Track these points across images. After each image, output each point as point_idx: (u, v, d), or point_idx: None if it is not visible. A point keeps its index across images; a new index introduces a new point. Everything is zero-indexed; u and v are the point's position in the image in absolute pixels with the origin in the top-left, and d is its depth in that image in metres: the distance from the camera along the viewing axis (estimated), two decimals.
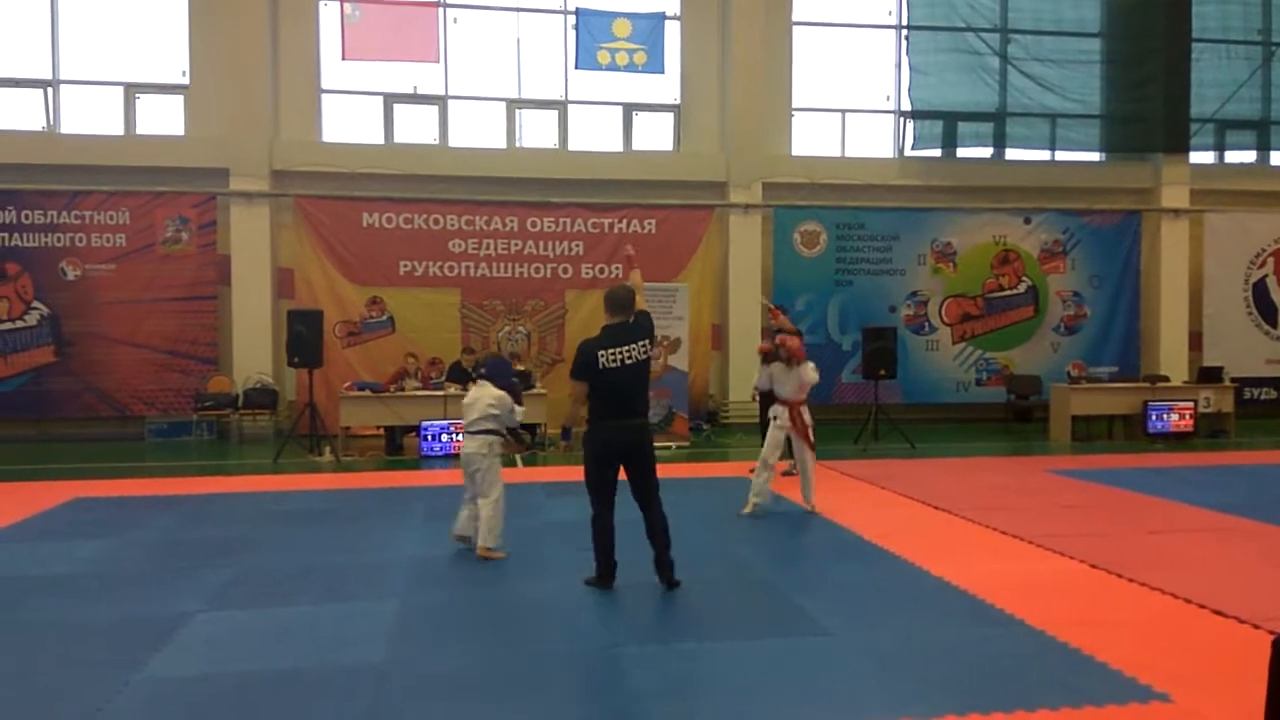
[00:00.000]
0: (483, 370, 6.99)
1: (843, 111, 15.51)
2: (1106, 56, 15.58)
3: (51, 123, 13.68)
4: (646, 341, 5.69)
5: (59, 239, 13.25)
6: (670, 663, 4.49)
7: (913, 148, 15.34)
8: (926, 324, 15.27)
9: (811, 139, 15.40)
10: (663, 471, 9.86)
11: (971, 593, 5.58)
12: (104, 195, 13.32)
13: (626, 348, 5.59)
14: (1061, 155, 15.84)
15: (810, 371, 8.09)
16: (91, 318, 13.29)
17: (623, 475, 5.77)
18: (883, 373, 12.83)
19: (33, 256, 13.19)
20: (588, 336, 5.84)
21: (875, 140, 15.64)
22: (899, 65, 15.45)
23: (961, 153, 15.47)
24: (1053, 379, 14.51)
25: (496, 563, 6.38)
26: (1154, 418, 12.93)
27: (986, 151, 15.65)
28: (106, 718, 3.91)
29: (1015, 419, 14.97)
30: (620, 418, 5.62)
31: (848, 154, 15.47)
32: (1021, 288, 15.51)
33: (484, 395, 6.62)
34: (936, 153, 15.38)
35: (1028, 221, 15.53)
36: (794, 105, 15.25)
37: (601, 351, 5.57)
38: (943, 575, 5.96)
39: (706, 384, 14.67)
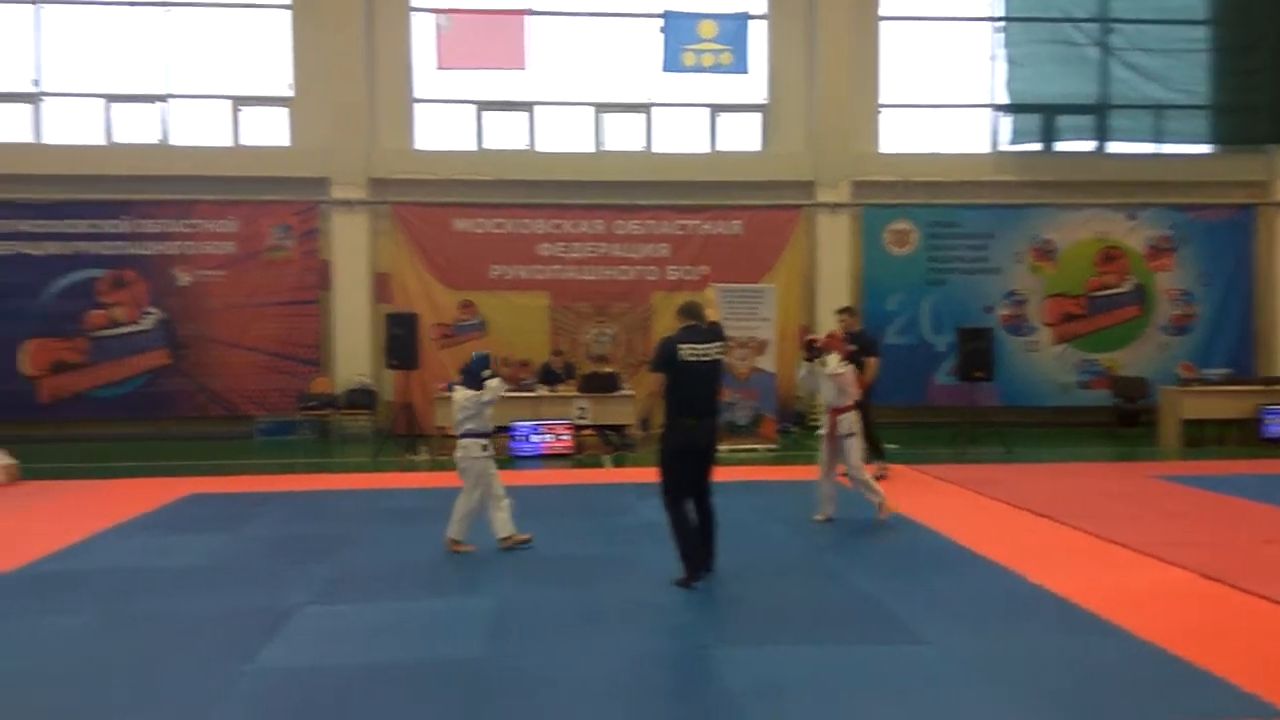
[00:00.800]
0: (460, 377, 7.18)
1: (934, 107, 15.18)
2: (1214, 44, 14.85)
3: (164, 135, 14.40)
4: (721, 344, 5.99)
5: (172, 247, 13.94)
6: (762, 666, 4.49)
7: (1009, 142, 14.92)
8: (1025, 324, 14.82)
9: (902, 136, 15.13)
10: (750, 474, 9.86)
11: (1074, 601, 5.41)
12: (213, 204, 13.97)
13: (704, 346, 5.86)
14: (1168, 148, 15.16)
15: (832, 362, 7.62)
16: (203, 322, 13.95)
17: None
18: (979, 375, 12.47)
19: (148, 264, 13.92)
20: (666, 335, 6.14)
21: (969, 136, 15.27)
22: (993, 58, 15.04)
23: (1061, 147, 14.97)
24: (1160, 381, 13.91)
25: (588, 562, 6.47)
26: (1270, 422, 12.27)
27: (1088, 145, 15.09)
28: (222, 706, 4.13)
29: (1120, 423, 14.37)
30: (700, 416, 5.85)
31: (940, 150, 15.14)
32: (1126, 286, 14.92)
33: (457, 399, 6.80)
34: (1035, 147, 14.91)
35: (1132, 217, 14.93)
36: (882, 101, 14.99)
37: (682, 345, 5.82)
38: (1042, 583, 5.80)
39: (794, 386, 14.52)
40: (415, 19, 14.48)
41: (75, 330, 13.74)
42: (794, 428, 13.91)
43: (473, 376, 6.82)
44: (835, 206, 14.61)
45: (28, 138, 14.10)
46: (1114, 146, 15.11)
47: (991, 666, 4.46)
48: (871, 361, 9.62)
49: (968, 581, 5.97)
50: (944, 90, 15.18)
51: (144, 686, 4.36)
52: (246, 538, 7.33)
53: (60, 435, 13.43)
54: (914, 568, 6.39)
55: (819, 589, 5.88)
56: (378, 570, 6.35)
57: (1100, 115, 14.90)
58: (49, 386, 13.72)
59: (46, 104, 14.19)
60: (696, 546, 5.85)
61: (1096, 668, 4.42)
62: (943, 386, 14.48)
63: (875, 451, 9.80)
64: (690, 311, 6.10)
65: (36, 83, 14.10)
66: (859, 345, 9.80)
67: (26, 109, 14.14)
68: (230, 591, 5.87)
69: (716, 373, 5.95)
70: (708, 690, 4.24)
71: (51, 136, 14.19)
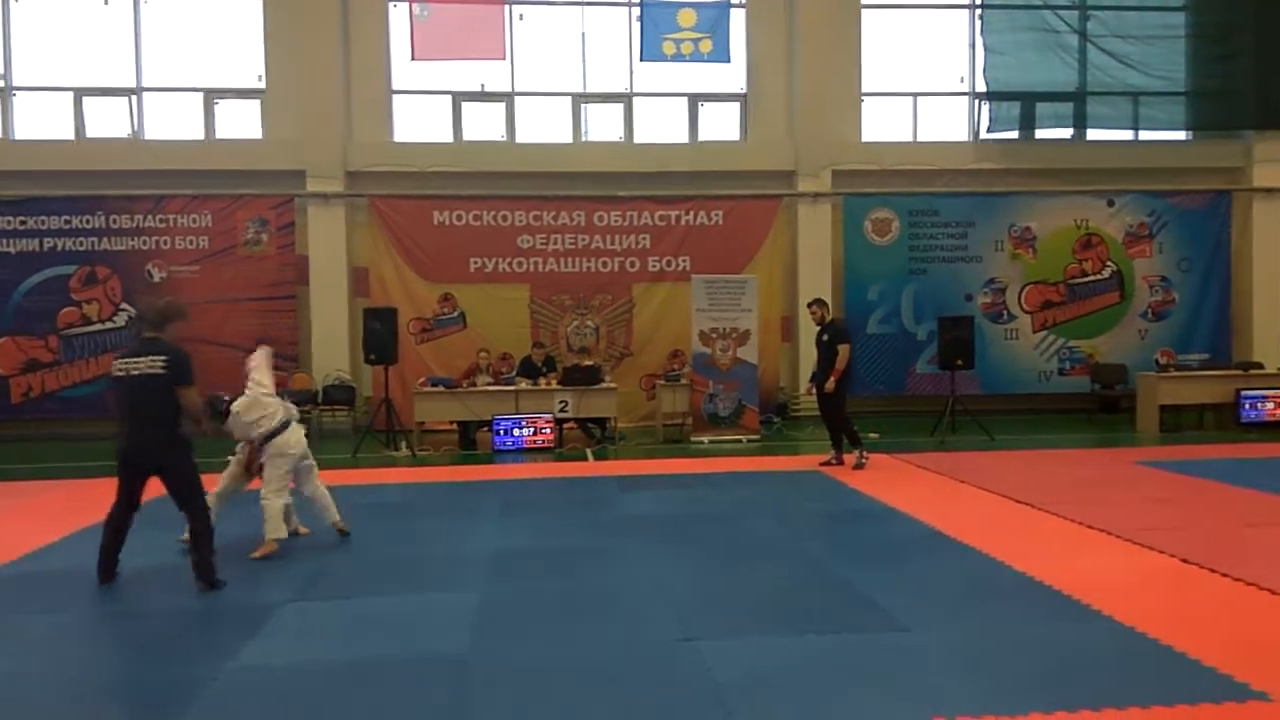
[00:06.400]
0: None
1: (914, 95, 15.19)
2: (1192, 30, 14.94)
3: (136, 129, 14.19)
4: (163, 359, 5.90)
5: (145, 242, 13.74)
6: (746, 656, 4.46)
7: (988, 130, 14.95)
8: (1005, 312, 14.88)
9: (882, 124, 15.12)
10: (734, 465, 9.83)
11: (1056, 588, 5.42)
12: (187, 199, 13.77)
13: (134, 359, 5.89)
14: (1146, 135, 15.25)
15: (240, 404, 7.30)
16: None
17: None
18: (959, 363, 12.52)
19: (121, 260, 13.71)
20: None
21: (949, 124, 15.30)
22: (973, 45, 15.07)
23: (1040, 134, 15.02)
24: (1140, 368, 14.01)
25: (570, 555, 6.45)
26: (1247, 406, 12.39)
27: (1067, 132, 15.16)
28: (201, 704, 4.04)
29: (1100, 410, 14.47)
30: (130, 429, 5.94)
31: (920, 138, 15.16)
32: (1106, 273, 15.01)
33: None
34: (1014, 135, 14.96)
35: (1111, 204, 15.01)
36: (863, 90, 14.98)
37: (118, 360, 5.97)
38: (1025, 570, 5.80)
39: (776, 376, 14.55)
40: (392, 9, 14.32)
41: (47, 328, 13.53)
42: (776, 418, 13.92)
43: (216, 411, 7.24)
44: (816, 196, 14.60)
45: None
46: (1093, 134, 15.19)
47: (973, 653, 4.45)
48: (842, 350, 9.78)
49: (950, 569, 5.97)
50: (924, 78, 15.19)
51: (128, 684, 4.31)
52: (224, 535, 7.20)
53: (31, 435, 13.24)
54: (897, 556, 6.38)
55: (802, 578, 5.86)
56: (359, 566, 6.29)
57: (1079, 102, 14.96)
58: (20, 386, 13.53)
59: (16, 98, 13.96)
60: (116, 549, 5.97)
61: (1078, 653, 4.42)
62: (924, 375, 14.54)
63: (853, 440, 9.87)
64: (148, 319, 6.10)
65: (5, 77, 13.86)
66: (830, 335, 9.97)
67: None
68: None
69: (148, 386, 5.88)
70: (692, 680, 4.20)
71: (22, 132, 13.96)
